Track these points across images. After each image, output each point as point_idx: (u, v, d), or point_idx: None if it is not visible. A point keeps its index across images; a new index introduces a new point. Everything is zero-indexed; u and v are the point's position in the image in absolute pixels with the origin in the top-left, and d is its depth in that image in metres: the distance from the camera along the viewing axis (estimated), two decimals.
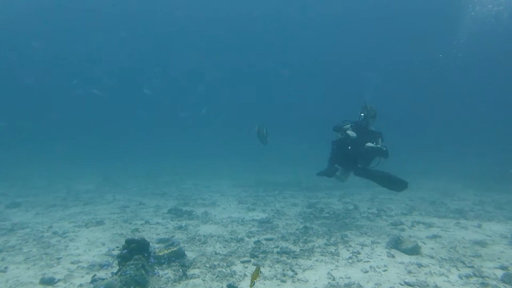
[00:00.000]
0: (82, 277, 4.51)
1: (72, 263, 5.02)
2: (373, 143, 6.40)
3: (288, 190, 12.67)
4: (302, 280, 4.37)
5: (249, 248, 5.69)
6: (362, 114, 6.81)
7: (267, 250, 5.55)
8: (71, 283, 4.34)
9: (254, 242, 6.02)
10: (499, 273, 4.48)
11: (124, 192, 12.23)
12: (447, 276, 4.45)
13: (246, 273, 4.59)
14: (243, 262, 5.04)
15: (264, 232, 6.73)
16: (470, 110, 35.28)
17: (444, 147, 28.59)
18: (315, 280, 4.37)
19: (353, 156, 6.66)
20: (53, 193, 11.80)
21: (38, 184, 13.91)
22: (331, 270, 4.70)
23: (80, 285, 4.26)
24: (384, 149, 6.52)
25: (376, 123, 6.97)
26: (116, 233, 6.64)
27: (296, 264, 4.94)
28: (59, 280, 4.38)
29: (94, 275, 4.46)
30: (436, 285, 4.16)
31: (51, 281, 4.35)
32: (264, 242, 6.06)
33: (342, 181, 7.15)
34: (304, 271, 4.68)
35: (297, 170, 17.97)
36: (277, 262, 5.01)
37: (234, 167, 21.09)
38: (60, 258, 5.19)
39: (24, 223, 7.41)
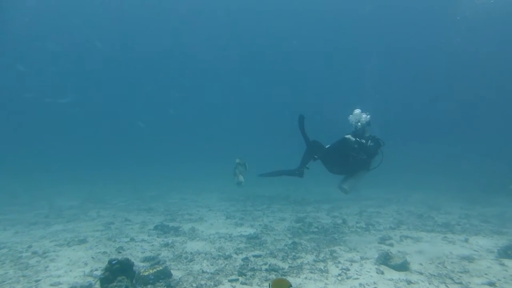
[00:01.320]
0: None
1: (51, 285, 4.82)
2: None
3: (276, 204, 12.59)
4: None
5: (237, 266, 5.58)
6: (359, 124, 6.90)
7: (255, 268, 5.44)
8: None
9: (242, 259, 5.90)
10: None
11: (109, 208, 11.96)
12: None
13: None
14: (230, 280, 4.92)
15: (252, 249, 6.62)
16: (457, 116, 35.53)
17: (430, 158, 28.84)
18: None
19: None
20: (35, 210, 11.45)
21: (20, 201, 13.51)
22: None
23: None
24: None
25: (371, 129, 7.09)
26: (99, 252, 6.44)
27: None
28: None
29: None
30: None
31: None
32: (252, 259, 5.95)
33: (346, 193, 7.12)
34: None
35: (285, 183, 17.91)
36: (266, 280, 4.91)
37: (222, 181, 20.90)
38: (39, 280, 4.98)
39: (2, 243, 7.12)
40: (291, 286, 3.14)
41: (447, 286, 4.65)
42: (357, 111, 7.09)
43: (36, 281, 4.96)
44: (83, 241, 7.19)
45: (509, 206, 10.21)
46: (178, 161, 34.19)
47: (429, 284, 4.73)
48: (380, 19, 31.13)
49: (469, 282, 4.75)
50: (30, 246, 6.82)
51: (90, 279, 4.98)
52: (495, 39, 28.73)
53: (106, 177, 23.22)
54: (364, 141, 6.74)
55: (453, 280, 4.85)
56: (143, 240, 7.33)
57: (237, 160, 7.72)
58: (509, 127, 31.12)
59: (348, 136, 6.73)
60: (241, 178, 6.90)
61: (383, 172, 7.65)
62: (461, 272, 5.16)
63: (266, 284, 4.46)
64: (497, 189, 13.26)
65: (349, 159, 6.60)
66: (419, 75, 34.10)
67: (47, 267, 5.59)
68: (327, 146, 6.87)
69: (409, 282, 4.79)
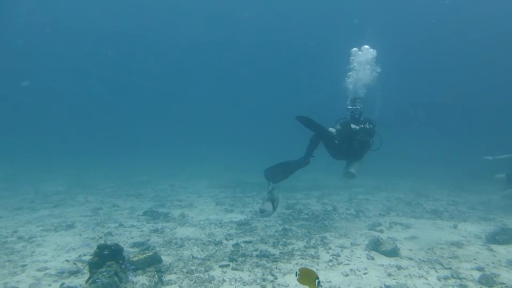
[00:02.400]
0: (50, 285, 4.24)
1: (38, 270, 4.71)
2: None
3: (267, 191, 12.54)
4: (283, 285, 4.27)
5: (227, 252, 5.55)
6: (358, 107, 6.98)
7: (246, 254, 5.42)
8: None
9: (233, 245, 5.87)
10: (476, 274, 4.52)
11: (97, 194, 11.79)
12: (426, 278, 4.46)
13: (225, 278, 4.44)
14: (221, 266, 4.88)
15: (243, 235, 6.60)
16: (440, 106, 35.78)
17: (417, 147, 29.09)
18: (296, 285, 4.26)
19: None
20: (20, 195, 11.22)
21: (3, 186, 13.21)
22: None
23: None
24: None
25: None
26: (87, 237, 6.33)
27: (276, 268, 4.83)
28: None
29: (63, 284, 4.20)
30: None
31: None
32: (243, 245, 5.92)
33: (354, 177, 7.21)
34: (284, 275, 4.57)
35: None
36: (257, 266, 4.88)
37: (211, 167, 20.82)
38: (25, 265, 4.87)
39: None
40: (318, 278, 3.11)
41: (436, 271, 4.69)
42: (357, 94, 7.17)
43: (22, 266, 4.85)
44: (70, 226, 7.06)
45: (495, 194, 10.37)
46: (166, 147, 33.90)
47: (419, 269, 4.77)
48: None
49: (458, 267, 4.81)
50: (15, 231, 6.67)
51: (79, 264, 4.89)
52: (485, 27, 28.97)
53: (93, 163, 22.89)
54: (365, 126, 6.91)
55: (442, 265, 4.90)
56: (132, 226, 7.24)
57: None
58: (496, 116, 31.48)
59: (354, 126, 6.81)
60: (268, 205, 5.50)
61: (371, 160, 7.71)
62: (451, 258, 5.22)
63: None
64: (483, 177, 13.46)
65: (354, 144, 6.74)
66: (408, 64, 34.20)
67: (34, 252, 5.48)
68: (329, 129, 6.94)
69: (399, 268, 4.82)
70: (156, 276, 4.45)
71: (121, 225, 7.29)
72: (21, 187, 12.96)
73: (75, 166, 19.84)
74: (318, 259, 5.21)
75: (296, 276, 3.21)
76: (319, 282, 3.11)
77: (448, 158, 21.59)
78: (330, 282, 4.35)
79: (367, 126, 6.99)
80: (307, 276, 3.17)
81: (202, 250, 5.63)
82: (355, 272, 4.69)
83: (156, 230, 6.85)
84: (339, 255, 5.36)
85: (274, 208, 5.08)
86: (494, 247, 5.69)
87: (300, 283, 3.24)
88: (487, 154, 10.37)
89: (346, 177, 7.41)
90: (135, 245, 5.88)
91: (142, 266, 4.68)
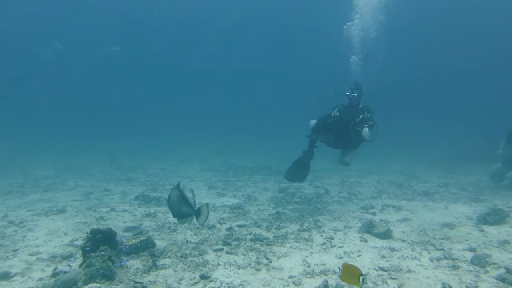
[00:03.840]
0: (42, 270, 4.19)
1: (30, 255, 4.65)
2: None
3: (259, 175, 12.56)
4: (277, 268, 4.27)
5: (221, 236, 5.54)
6: (355, 94, 6.92)
7: (240, 237, 5.41)
8: (29, 277, 4.00)
9: (226, 229, 5.86)
10: (468, 255, 4.57)
11: (88, 178, 11.66)
12: (419, 260, 4.50)
13: (219, 262, 4.43)
14: (215, 250, 4.87)
15: (236, 219, 6.59)
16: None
17: (407, 129, 29.26)
18: (290, 268, 4.28)
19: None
20: (8, 179, 11.04)
21: None
22: (306, 256, 4.63)
23: (40, 279, 3.94)
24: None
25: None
26: (79, 222, 6.26)
27: (270, 251, 4.83)
28: (15, 274, 4.04)
29: (56, 268, 4.14)
30: (409, 269, 4.18)
31: (6, 275, 3.99)
32: (236, 229, 5.92)
33: (348, 165, 7.26)
34: (278, 258, 4.58)
35: (267, 153, 17.93)
36: (251, 250, 4.88)
37: (203, 151, 20.73)
38: (17, 250, 4.80)
39: None
40: (362, 275, 2.85)
41: (429, 252, 4.74)
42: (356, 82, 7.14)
43: (14, 250, 4.78)
44: (61, 210, 6.98)
45: (484, 175, 10.49)
46: (156, 132, 33.64)
47: (412, 251, 4.82)
48: None
49: (451, 248, 4.87)
50: (5, 216, 6.57)
51: (71, 249, 4.84)
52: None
53: (83, 147, 22.59)
54: (364, 116, 6.84)
55: (434, 246, 4.96)
56: (124, 210, 7.18)
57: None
58: (482, 95, 31.71)
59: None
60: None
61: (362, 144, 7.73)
62: (442, 239, 5.28)
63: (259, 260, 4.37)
64: (472, 158, 13.64)
65: (352, 135, 6.74)
66: (398, 46, 34.10)
67: (25, 236, 5.40)
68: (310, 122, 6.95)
69: (392, 250, 4.86)
70: (150, 260, 4.42)
71: (113, 209, 7.22)
72: (9, 171, 12.75)
73: (64, 151, 19.58)
74: (312, 242, 5.22)
75: (338, 272, 2.97)
76: (363, 279, 2.84)
77: (437, 140, 21.78)
78: (324, 264, 4.37)
79: (366, 116, 6.89)
80: (350, 272, 2.92)
81: (195, 234, 5.61)
82: (349, 254, 4.72)
83: (148, 215, 6.80)
84: (332, 238, 5.38)
85: (181, 213, 4.14)
86: (485, 227, 5.77)
87: (342, 280, 3.00)
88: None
89: (341, 165, 7.44)
90: (128, 229, 5.84)
91: (135, 250, 4.65)
